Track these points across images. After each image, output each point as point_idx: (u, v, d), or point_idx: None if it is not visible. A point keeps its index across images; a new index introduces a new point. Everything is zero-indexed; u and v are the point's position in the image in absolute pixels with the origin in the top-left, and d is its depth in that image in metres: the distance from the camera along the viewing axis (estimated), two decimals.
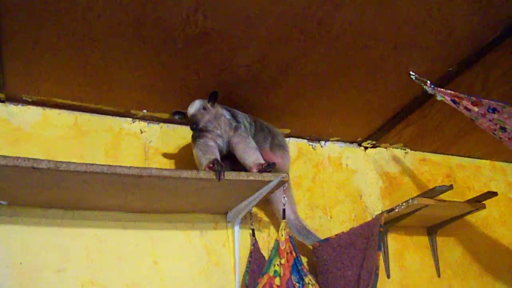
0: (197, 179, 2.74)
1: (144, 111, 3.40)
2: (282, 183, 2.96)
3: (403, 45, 3.07)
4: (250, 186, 2.95)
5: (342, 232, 3.32)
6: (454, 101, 2.95)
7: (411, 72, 3.07)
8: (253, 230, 3.31)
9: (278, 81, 3.25)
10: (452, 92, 2.94)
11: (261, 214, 3.51)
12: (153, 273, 3.10)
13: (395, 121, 3.87)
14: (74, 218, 3.03)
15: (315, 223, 3.64)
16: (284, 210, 3.14)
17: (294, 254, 2.96)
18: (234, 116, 3.14)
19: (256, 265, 3.12)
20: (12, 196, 2.84)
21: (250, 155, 3.01)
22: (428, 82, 3.00)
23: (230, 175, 2.81)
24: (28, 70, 2.98)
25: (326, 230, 3.64)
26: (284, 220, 3.10)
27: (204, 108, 3.06)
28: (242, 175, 2.85)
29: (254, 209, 3.40)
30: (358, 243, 3.15)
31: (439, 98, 3.00)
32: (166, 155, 3.42)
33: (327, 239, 3.32)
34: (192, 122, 3.00)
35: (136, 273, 3.07)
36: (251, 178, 2.84)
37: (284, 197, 3.13)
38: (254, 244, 3.22)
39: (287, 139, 3.84)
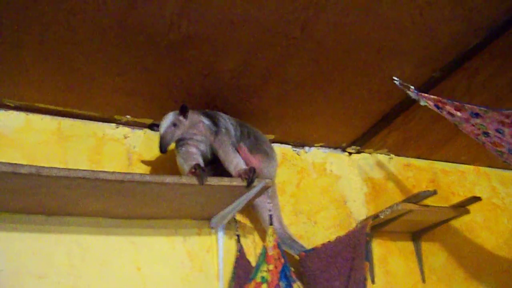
0: (180, 184, 2.73)
1: (128, 116, 3.38)
2: (265, 188, 2.95)
3: (386, 50, 3.08)
4: (233, 192, 2.94)
5: (329, 242, 3.32)
6: (437, 106, 2.95)
7: (394, 78, 3.07)
8: (238, 236, 3.30)
9: (261, 86, 3.25)
10: (436, 97, 2.94)
11: (245, 220, 3.50)
12: (136, 279, 3.08)
13: (379, 127, 3.88)
14: (55, 224, 3.00)
15: (300, 229, 3.63)
16: (271, 216, 3.11)
17: (282, 260, 2.94)
18: (213, 121, 3.11)
19: (242, 271, 3.10)
20: None
21: (231, 160, 3.00)
22: (412, 87, 3.01)
23: (212, 181, 2.81)
24: (10, 74, 2.96)
25: (310, 236, 3.64)
26: (271, 226, 3.08)
27: (175, 124, 3.01)
28: (225, 181, 2.84)
29: (238, 215, 3.39)
30: (344, 253, 3.15)
31: (422, 103, 3.00)
32: (150, 161, 3.40)
33: (313, 249, 3.31)
34: (160, 145, 2.95)
35: (119, 279, 3.05)
36: (234, 183, 2.84)
37: (269, 202, 3.11)
38: (240, 250, 3.21)
39: (272, 144, 3.83)
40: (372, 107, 3.66)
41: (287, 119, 3.66)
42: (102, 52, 2.84)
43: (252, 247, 3.41)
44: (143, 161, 3.40)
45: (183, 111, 3.02)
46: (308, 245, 3.45)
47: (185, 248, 3.26)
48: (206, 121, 3.09)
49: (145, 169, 3.37)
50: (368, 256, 3.00)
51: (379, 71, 3.25)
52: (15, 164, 2.43)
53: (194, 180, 2.75)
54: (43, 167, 2.47)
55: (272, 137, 3.82)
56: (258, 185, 2.90)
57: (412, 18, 2.83)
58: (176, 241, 3.26)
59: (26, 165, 2.45)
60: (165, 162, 3.42)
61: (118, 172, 2.64)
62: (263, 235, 3.46)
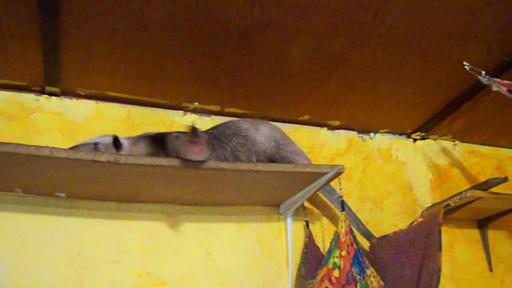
0: (254, 171, 2.73)
1: (196, 103, 3.40)
2: (337, 174, 2.93)
3: (457, 35, 3.03)
4: (305, 178, 2.93)
5: (400, 230, 3.29)
6: (510, 91, 2.90)
7: (464, 63, 3.04)
8: (307, 222, 3.30)
9: (330, 72, 3.22)
10: (509, 82, 2.89)
11: (312, 206, 3.49)
12: (206, 265, 3.11)
13: (445, 113, 3.82)
14: (128, 211, 3.06)
15: (366, 216, 3.60)
16: (342, 201, 3.11)
17: (355, 246, 2.93)
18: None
19: (312, 256, 3.11)
20: (71, 189, 2.87)
21: None
22: (483, 72, 2.96)
23: (287, 167, 2.80)
24: (83, 63, 3.00)
25: (377, 223, 3.62)
26: (343, 212, 3.07)
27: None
28: (299, 167, 2.83)
29: (305, 201, 3.38)
30: (417, 242, 3.10)
31: (494, 88, 2.95)
32: None
33: (384, 237, 3.30)
34: None
35: (190, 264, 3.08)
36: (307, 170, 2.83)
37: (341, 188, 3.10)
38: (309, 236, 3.21)
39: (337, 131, 3.84)
40: (439, 93, 3.61)
41: (354, 106, 3.63)
42: (172, 40, 2.86)
43: (320, 233, 3.41)
44: None
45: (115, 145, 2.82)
46: (375, 232, 3.44)
47: (255, 234, 3.27)
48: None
49: None
50: (441, 246, 2.95)
51: (449, 56, 3.20)
52: (95, 152, 2.48)
53: (267, 167, 2.75)
54: (121, 155, 2.51)
55: (338, 123, 3.80)
56: (331, 171, 2.88)
57: (487, 1, 2.77)
58: (246, 227, 3.28)
59: (105, 153, 2.49)
60: None
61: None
62: (330, 221, 3.47)
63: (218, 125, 3.10)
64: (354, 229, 3.08)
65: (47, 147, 2.45)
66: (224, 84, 3.25)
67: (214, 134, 2.98)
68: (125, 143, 2.83)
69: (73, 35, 2.78)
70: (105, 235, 2.98)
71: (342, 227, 3.01)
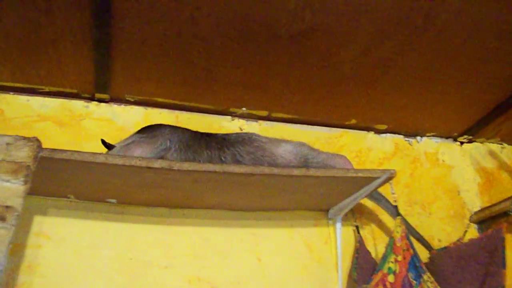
0: (306, 176, 2.72)
1: (243, 108, 3.41)
2: (388, 179, 2.91)
3: (509, 35, 2.98)
4: (356, 183, 2.92)
5: (461, 243, 3.26)
6: None
7: None
8: (357, 227, 3.28)
9: (379, 75, 3.20)
10: None
11: (360, 211, 3.47)
12: (256, 270, 3.11)
13: (493, 115, 3.75)
14: (179, 216, 3.09)
15: (414, 220, 3.56)
16: (396, 206, 3.09)
17: (411, 251, 2.91)
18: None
19: (363, 261, 3.08)
20: (121, 195, 2.90)
21: None
22: None
23: (339, 172, 2.79)
24: (133, 70, 3.04)
25: (425, 227, 3.57)
26: (398, 217, 3.05)
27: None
28: (351, 172, 2.82)
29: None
30: (480, 257, 3.04)
31: None
32: None
33: (445, 248, 3.27)
34: None
35: (240, 270, 3.09)
36: (359, 174, 2.81)
37: (393, 193, 3.07)
38: (360, 240, 3.18)
39: (383, 135, 3.81)
40: (487, 96, 3.55)
41: (401, 109, 3.59)
42: (222, 46, 2.87)
43: (370, 237, 3.38)
44: None
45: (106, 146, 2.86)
46: (424, 236, 3.42)
47: (303, 239, 3.26)
48: None
49: None
50: (505, 263, 2.88)
51: (500, 58, 3.14)
52: (149, 158, 2.50)
53: (319, 172, 2.74)
54: (175, 161, 2.52)
55: (384, 127, 3.77)
56: (382, 175, 2.86)
57: None
58: (295, 232, 3.27)
59: (159, 159, 2.51)
60: None
61: (247, 165, 2.66)
62: (380, 226, 3.44)
63: (235, 133, 3.11)
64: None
65: (102, 153, 2.48)
66: (271, 89, 3.25)
67: (219, 138, 2.99)
68: (117, 145, 2.86)
69: (124, 43, 2.81)
70: (156, 241, 3.00)
71: (397, 232, 2.98)
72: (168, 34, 2.77)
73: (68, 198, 2.92)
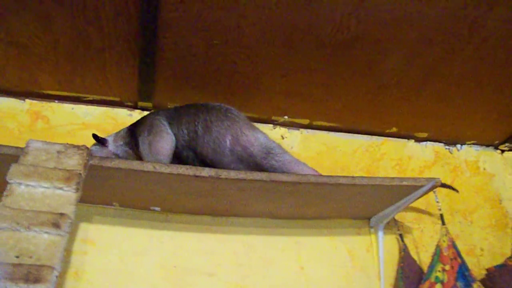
0: (352, 185, 2.72)
1: (286, 117, 3.42)
2: (433, 187, 2.89)
3: None
4: (400, 191, 2.91)
5: None
6: None
7: None
8: (401, 235, 3.26)
9: (421, 84, 3.19)
10: None
11: (402, 219, 3.45)
12: (299, 278, 3.11)
13: None
14: (222, 225, 3.10)
15: (456, 229, 3.54)
16: (441, 215, 3.07)
17: (459, 260, 2.89)
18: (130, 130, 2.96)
19: (409, 270, 3.06)
20: (165, 203, 2.93)
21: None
22: None
23: (385, 181, 2.78)
24: (176, 78, 3.07)
25: (467, 236, 3.55)
26: (444, 226, 3.04)
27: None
28: (396, 180, 2.81)
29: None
30: None
31: None
32: (307, 161, 3.38)
33: (504, 265, 3.24)
34: None
35: (283, 278, 3.09)
36: (404, 183, 2.80)
37: (438, 202, 3.05)
38: (405, 249, 3.16)
39: (423, 143, 3.78)
40: None
41: (442, 117, 3.58)
42: (267, 54, 2.89)
43: (413, 246, 3.36)
44: (302, 161, 3.39)
45: (97, 140, 2.89)
46: (465, 245, 3.41)
47: (346, 248, 3.26)
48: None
49: None
50: None
51: None
52: (196, 167, 2.50)
53: (366, 180, 2.74)
54: (222, 170, 2.53)
55: (425, 135, 3.75)
56: (427, 184, 2.85)
57: None
58: (337, 240, 3.26)
59: (206, 168, 2.52)
60: (324, 161, 3.45)
61: (293, 174, 2.66)
62: (422, 234, 3.42)
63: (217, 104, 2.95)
64: None
65: (150, 162, 2.49)
66: (314, 97, 3.26)
67: (199, 105, 2.90)
68: (108, 138, 2.89)
69: (169, 51, 2.84)
70: (200, 248, 3.02)
71: (444, 241, 2.97)
72: (213, 44, 2.79)
73: (113, 206, 2.95)
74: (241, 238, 3.09)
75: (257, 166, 2.75)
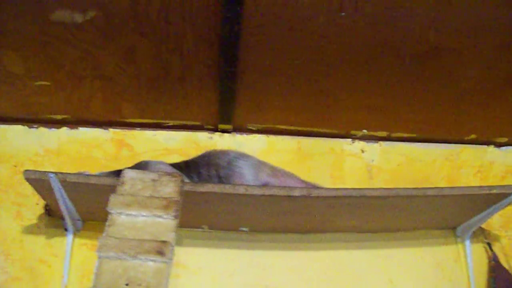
0: (442, 196, 2.71)
1: (364, 131, 3.43)
2: None
3: None
4: (488, 200, 2.88)
5: None
6: None
7: None
8: (489, 244, 3.23)
9: (502, 88, 3.15)
10: None
11: (488, 226, 3.40)
12: None
13: None
14: (310, 241, 3.11)
15: None
16: None
17: None
18: None
19: (502, 280, 3.03)
20: (253, 223, 2.97)
21: None
22: None
23: (473, 190, 2.77)
24: (256, 100, 3.11)
25: None
26: None
27: None
28: (485, 189, 2.79)
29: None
30: None
31: None
32: (389, 174, 3.42)
33: None
34: None
35: None
36: (494, 191, 2.77)
37: None
38: (495, 258, 3.13)
39: (504, 148, 3.72)
40: None
41: None
42: (347, 70, 2.90)
43: (502, 254, 3.31)
44: (383, 174, 3.41)
45: None
46: None
47: (433, 259, 3.23)
48: None
49: (385, 182, 3.37)
50: None
51: None
52: (288, 187, 2.55)
53: (454, 191, 2.73)
54: (313, 188, 2.57)
55: (505, 140, 3.64)
56: None
57: None
58: (423, 251, 3.24)
59: (298, 188, 2.55)
60: (405, 173, 3.43)
61: (382, 188, 2.68)
62: (511, 242, 3.37)
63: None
64: None
65: (242, 185, 2.54)
66: (392, 109, 3.25)
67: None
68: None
69: (250, 74, 2.88)
70: (289, 266, 3.04)
71: None
72: (295, 64, 2.82)
73: (203, 228, 3.00)
74: (329, 254, 3.10)
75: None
